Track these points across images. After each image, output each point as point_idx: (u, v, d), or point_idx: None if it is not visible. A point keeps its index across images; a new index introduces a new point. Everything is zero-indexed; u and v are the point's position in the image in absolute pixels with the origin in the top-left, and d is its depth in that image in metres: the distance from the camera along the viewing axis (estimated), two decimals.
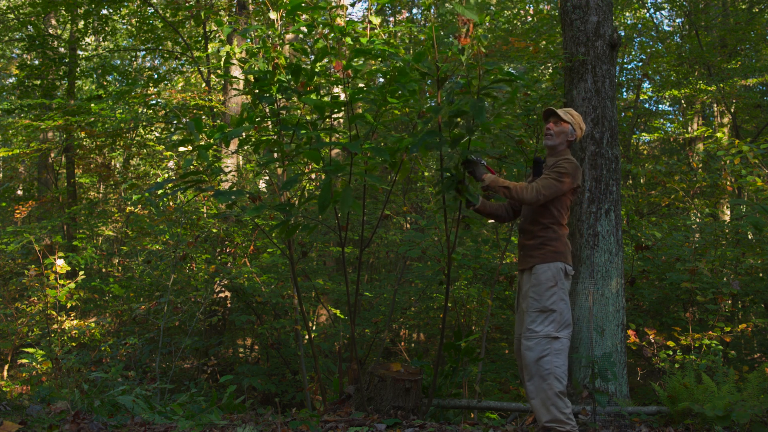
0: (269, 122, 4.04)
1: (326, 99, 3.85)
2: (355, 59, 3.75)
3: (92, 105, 9.34)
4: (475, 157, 3.49)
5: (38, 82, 10.31)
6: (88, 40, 14.78)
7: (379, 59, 3.84)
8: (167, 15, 9.98)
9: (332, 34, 3.68)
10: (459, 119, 3.73)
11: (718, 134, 7.88)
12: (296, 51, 3.87)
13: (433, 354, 7.77)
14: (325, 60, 3.90)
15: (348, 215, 3.99)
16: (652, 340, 5.29)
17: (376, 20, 3.80)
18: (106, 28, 11.16)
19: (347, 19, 3.94)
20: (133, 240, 9.99)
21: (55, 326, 7.07)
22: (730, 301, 6.62)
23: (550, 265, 3.34)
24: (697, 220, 8.38)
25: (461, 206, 3.75)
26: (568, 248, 3.42)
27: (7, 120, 11.49)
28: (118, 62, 15.69)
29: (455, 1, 3.55)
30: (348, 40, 3.75)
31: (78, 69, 10.90)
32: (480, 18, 3.37)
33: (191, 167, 3.83)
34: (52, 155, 12.20)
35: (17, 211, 10.30)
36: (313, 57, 3.92)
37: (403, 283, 8.32)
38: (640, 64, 12.30)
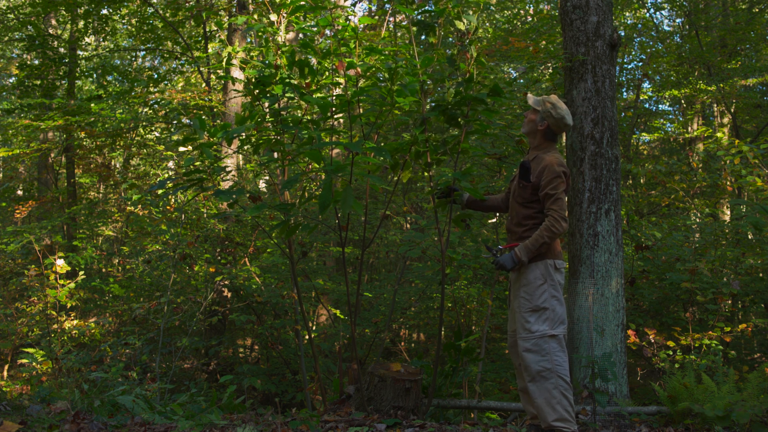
0: (270, 122, 4.04)
1: (328, 99, 3.86)
2: (366, 58, 3.75)
3: (92, 105, 9.34)
4: (455, 187, 3.78)
5: (38, 82, 10.30)
6: (88, 40, 14.78)
7: (382, 59, 3.85)
8: (167, 15, 9.98)
9: (340, 34, 3.68)
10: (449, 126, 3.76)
11: (718, 134, 7.88)
12: (304, 48, 3.87)
13: (433, 354, 7.77)
14: (328, 59, 3.91)
15: (348, 215, 3.99)
16: (652, 340, 5.29)
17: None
18: (106, 28, 11.15)
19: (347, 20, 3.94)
20: (133, 240, 9.99)
21: (55, 326, 7.07)
22: (730, 301, 6.62)
23: (537, 263, 3.34)
24: (697, 220, 8.38)
25: (451, 207, 3.91)
26: (555, 243, 3.40)
27: (7, 120, 11.49)
28: (118, 62, 15.68)
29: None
30: (352, 42, 3.75)
31: (78, 69, 10.89)
32: (474, 22, 3.40)
33: (192, 166, 3.84)
34: (52, 155, 12.20)
35: (17, 211, 10.30)
36: (318, 56, 3.92)
37: (403, 283, 8.32)
38: (640, 64, 12.31)
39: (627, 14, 12.53)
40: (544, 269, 3.33)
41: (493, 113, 3.72)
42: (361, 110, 3.91)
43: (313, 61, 4.11)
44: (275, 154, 4.05)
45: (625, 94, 12.30)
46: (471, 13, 3.62)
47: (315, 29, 3.89)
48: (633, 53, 12.26)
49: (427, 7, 3.76)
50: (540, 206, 3.38)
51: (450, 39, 10.21)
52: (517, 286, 3.40)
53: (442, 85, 3.93)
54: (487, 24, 13.05)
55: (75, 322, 7.37)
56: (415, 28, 3.87)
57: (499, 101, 3.67)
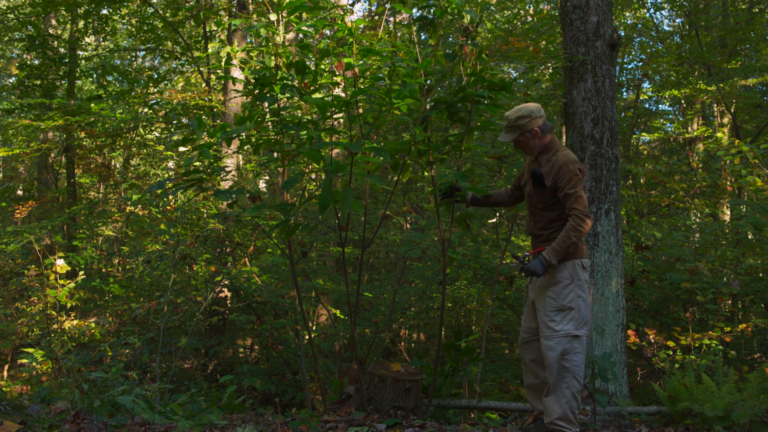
0: (269, 122, 4.04)
1: (328, 99, 3.86)
2: (362, 59, 3.75)
3: (92, 105, 9.34)
4: (458, 187, 3.74)
5: (38, 82, 10.30)
6: (88, 40, 14.78)
7: (380, 59, 3.85)
8: (167, 15, 9.98)
9: (339, 34, 3.67)
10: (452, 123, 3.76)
11: (718, 134, 7.87)
12: (302, 49, 3.87)
13: (433, 354, 7.77)
14: (327, 60, 3.90)
15: (348, 215, 3.99)
16: (652, 340, 5.29)
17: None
18: (106, 28, 11.15)
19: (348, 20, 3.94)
20: (133, 240, 9.99)
21: (55, 326, 7.07)
22: (730, 301, 6.62)
23: (566, 263, 3.33)
24: (697, 220, 8.38)
25: (453, 207, 3.89)
26: (581, 241, 3.41)
27: (7, 120, 11.49)
28: (118, 62, 15.68)
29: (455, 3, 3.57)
30: (350, 38, 3.75)
31: (78, 69, 10.89)
32: (476, 18, 3.40)
33: (192, 166, 3.84)
34: (52, 155, 12.20)
35: (17, 211, 10.30)
36: (316, 57, 3.92)
37: (403, 283, 8.32)
38: (640, 64, 12.31)
39: (627, 14, 12.53)
40: (572, 269, 3.33)
41: (498, 108, 3.72)
42: (361, 110, 3.91)
43: (312, 61, 4.11)
44: (275, 154, 4.05)
45: (625, 94, 12.31)
46: (476, 11, 3.62)
47: (313, 29, 3.88)
48: (633, 53, 12.27)
49: (427, 3, 3.72)
50: (561, 207, 3.36)
51: (450, 38, 10.21)
52: (543, 285, 3.38)
53: (442, 84, 3.93)
54: (488, 23, 13.04)
55: (75, 322, 7.37)
56: (415, 27, 3.87)
57: (508, 97, 3.67)
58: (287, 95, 3.82)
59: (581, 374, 3.29)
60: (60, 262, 6.70)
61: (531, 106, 3.43)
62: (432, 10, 3.72)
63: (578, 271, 3.34)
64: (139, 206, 9.59)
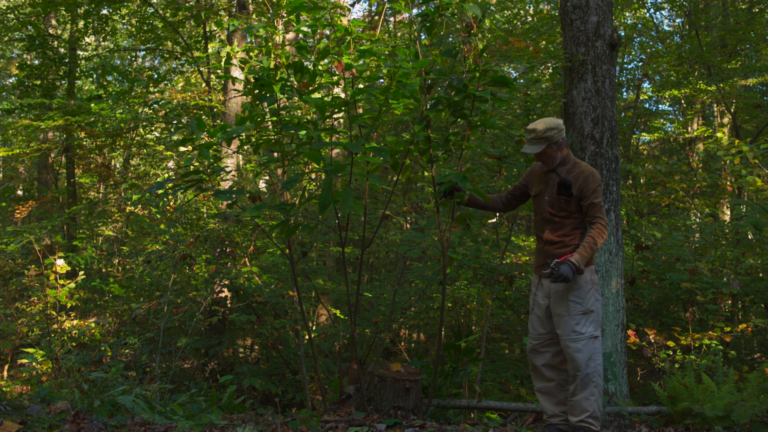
0: (269, 122, 4.04)
1: (327, 99, 3.85)
2: (359, 60, 3.75)
3: (92, 105, 9.34)
4: (459, 187, 3.72)
5: (38, 82, 10.31)
6: (88, 40, 14.78)
7: (379, 59, 3.85)
8: (167, 15, 9.98)
9: (335, 34, 3.67)
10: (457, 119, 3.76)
11: (718, 134, 7.87)
12: (299, 50, 3.87)
13: (433, 354, 7.77)
14: (326, 60, 3.90)
15: (348, 215, 3.98)
16: (652, 340, 5.29)
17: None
18: (106, 28, 11.15)
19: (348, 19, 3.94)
20: (133, 240, 9.99)
21: (55, 326, 7.07)
22: (730, 301, 6.61)
23: (586, 268, 3.44)
24: (697, 220, 8.37)
25: (454, 206, 3.90)
26: None
27: (7, 120, 11.49)
28: (118, 62, 15.68)
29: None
30: (348, 38, 3.75)
31: (78, 69, 10.89)
32: (479, 13, 3.40)
33: (192, 167, 3.83)
34: (52, 155, 12.20)
35: (17, 211, 10.30)
36: (314, 57, 3.92)
37: (403, 283, 8.32)
38: (640, 64, 12.31)
39: (627, 14, 12.53)
40: (590, 274, 3.47)
41: (503, 102, 3.75)
42: (360, 110, 3.91)
43: (310, 61, 4.11)
44: (275, 154, 4.05)
45: (625, 94, 12.31)
46: (478, 7, 3.61)
47: (312, 30, 3.88)
48: (633, 53, 12.27)
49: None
50: (580, 215, 3.48)
51: (450, 38, 10.21)
52: (563, 291, 3.45)
53: (442, 83, 3.92)
54: (487, 20, 13.02)
55: (75, 322, 7.37)
56: (417, 23, 3.86)
57: (510, 93, 3.68)
58: (287, 95, 3.82)
59: (602, 372, 3.43)
60: (60, 262, 6.70)
61: (556, 119, 3.53)
62: (432, 5, 3.71)
63: (594, 276, 3.49)
64: (139, 206, 9.60)
